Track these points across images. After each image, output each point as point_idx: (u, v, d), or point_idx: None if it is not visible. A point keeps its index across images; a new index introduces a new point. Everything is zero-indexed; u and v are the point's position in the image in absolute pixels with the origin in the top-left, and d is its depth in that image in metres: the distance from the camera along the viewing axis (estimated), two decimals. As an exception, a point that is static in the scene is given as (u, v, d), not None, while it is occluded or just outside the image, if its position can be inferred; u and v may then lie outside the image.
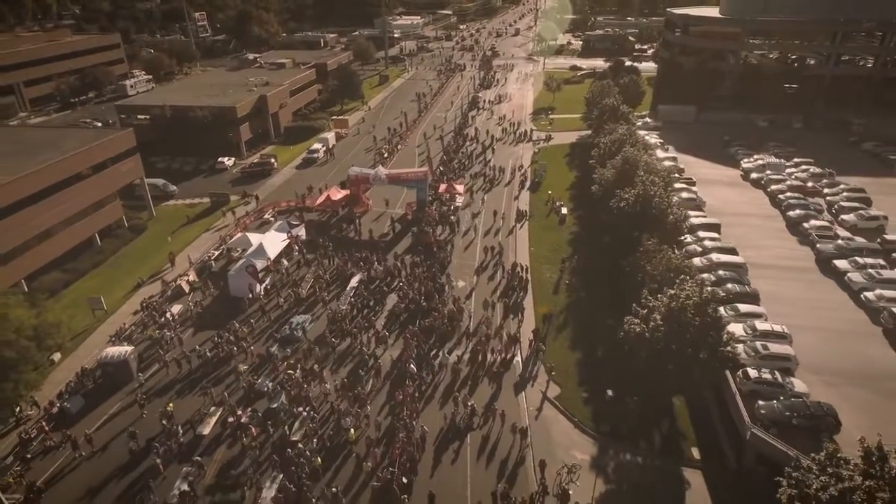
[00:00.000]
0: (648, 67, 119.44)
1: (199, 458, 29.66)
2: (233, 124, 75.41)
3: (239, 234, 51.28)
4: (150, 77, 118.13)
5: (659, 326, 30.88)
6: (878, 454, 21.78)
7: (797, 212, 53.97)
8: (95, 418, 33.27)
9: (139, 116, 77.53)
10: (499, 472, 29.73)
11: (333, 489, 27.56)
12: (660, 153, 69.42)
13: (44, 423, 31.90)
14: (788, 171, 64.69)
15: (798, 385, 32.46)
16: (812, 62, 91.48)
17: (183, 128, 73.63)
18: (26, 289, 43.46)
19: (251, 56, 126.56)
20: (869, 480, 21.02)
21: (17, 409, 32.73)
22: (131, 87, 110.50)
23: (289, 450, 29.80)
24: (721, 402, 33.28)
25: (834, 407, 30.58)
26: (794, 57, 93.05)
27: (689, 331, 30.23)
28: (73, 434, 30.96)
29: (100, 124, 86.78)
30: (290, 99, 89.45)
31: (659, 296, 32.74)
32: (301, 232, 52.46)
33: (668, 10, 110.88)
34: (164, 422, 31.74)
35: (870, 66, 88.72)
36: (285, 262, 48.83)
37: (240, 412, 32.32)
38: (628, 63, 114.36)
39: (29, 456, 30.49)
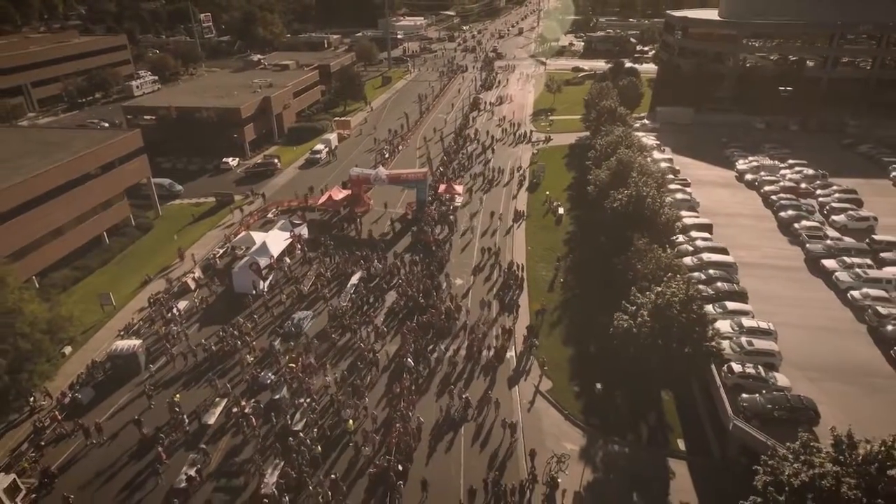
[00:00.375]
0: (649, 69, 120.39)
1: (204, 446, 31.06)
2: (237, 125, 76.85)
3: (243, 233, 52.69)
4: (156, 78, 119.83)
5: (646, 322, 32.18)
6: (848, 442, 23.01)
7: (789, 212, 55.03)
8: (105, 408, 34.72)
9: (145, 117, 79.06)
10: (491, 460, 30.99)
11: (332, 476, 28.91)
12: (656, 154, 70.53)
13: (56, 413, 33.33)
14: (782, 172, 65.74)
15: (781, 379, 33.68)
16: (812, 64, 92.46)
17: (188, 128, 75.10)
18: (38, 285, 44.95)
19: (255, 58, 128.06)
20: (837, 467, 22.20)
21: (32, 398, 34.17)
22: (137, 87, 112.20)
23: (290, 438, 31.16)
24: (707, 395, 34.49)
25: (814, 400, 31.84)
26: (794, 59, 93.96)
27: (675, 326, 31.52)
28: (84, 423, 32.43)
29: (107, 125, 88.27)
30: (293, 100, 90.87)
31: (647, 293, 34.01)
32: (303, 231, 53.82)
33: (668, 12, 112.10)
34: (177, 409, 33.17)
35: (868, 68, 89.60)
36: (288, 259, 50.19)
37: (243, 403, 33.67)
38: (628, 65, 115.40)
39: (43, 443, 31.92)
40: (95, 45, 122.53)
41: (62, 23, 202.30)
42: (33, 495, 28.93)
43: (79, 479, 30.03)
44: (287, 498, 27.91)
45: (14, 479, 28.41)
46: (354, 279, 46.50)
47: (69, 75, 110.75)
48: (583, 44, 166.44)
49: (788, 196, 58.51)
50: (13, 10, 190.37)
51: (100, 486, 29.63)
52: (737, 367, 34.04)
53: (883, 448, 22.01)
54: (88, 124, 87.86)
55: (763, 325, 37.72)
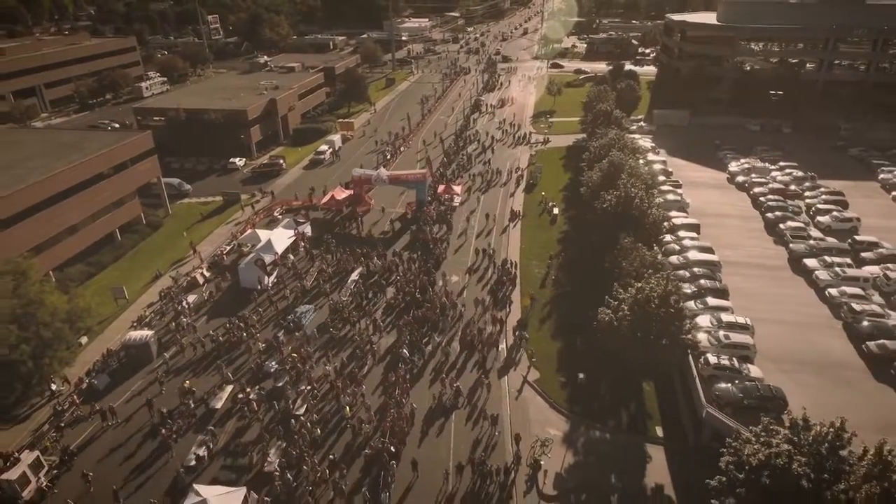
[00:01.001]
0: (650, 71, 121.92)
1: (212, 428, 33.38)
2: (244, 126, 79.26)
3: (249, 231, 55.01)
4: (165, 79, 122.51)
5: (626, 316, 34.20)
6: (803, 424, 25.04)
7: (776, 213, 56.74)
8: (120, 394, 37.14)
9: (155, 118, 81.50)
10: (479, 444, 33.10)
11: (331, 456, 31.15)
12: (651, 157, 72.34)
13: (75, 397, 35.78)
14: (773, 174, 67.35)
15: (754, 371, 35.57)
16: (811, 66, 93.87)
17: (196, 129, 77.37)
18: (54, 280, 47.35)
19: (262, 59, 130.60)
20: (790, 446, 24.21)
21: (52, 384, 36.59)
22: (146, 88, 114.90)
23: (292, 422, 33.44)
24: (686, 386, 36.45)
25: (784, 391, 33.68)
26: (794, 62, 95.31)
27: (654, 320, 33.53)
28: (100, 406, 34.87)
29: (118, 125, 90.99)
30: (298, 102, 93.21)
31: (629, 288, 36.01)
32: (307, 229, 56.05)
33: (668, 15, 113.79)
34: (194, 390, 35.82)
35: (864, 70, 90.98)
36: (291, 256, 52.40)
37: (248, 389, 35.94)
38: (629, 67, 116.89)
39: (62, 424, 34.36)
40: (106, 46, 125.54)
41: (72, 23, 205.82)
42: (55, 471, 31.36)
43: (96, 457, 32.49)
44: (288, 475, 30.13)
45: (37, 455, 30.80)
46: (354, 275, 48.64)
47: (81, 77, 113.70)
48: (585, 46, 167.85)
49: (776, 197, 60.17)
50: (24, 11, 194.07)
51: (116, 464, 31.99)
52: (712, 359, 35.97)
53: (832, 429, 24.06)
54: (99, 125, 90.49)
55: (741, 320, 39.60)
